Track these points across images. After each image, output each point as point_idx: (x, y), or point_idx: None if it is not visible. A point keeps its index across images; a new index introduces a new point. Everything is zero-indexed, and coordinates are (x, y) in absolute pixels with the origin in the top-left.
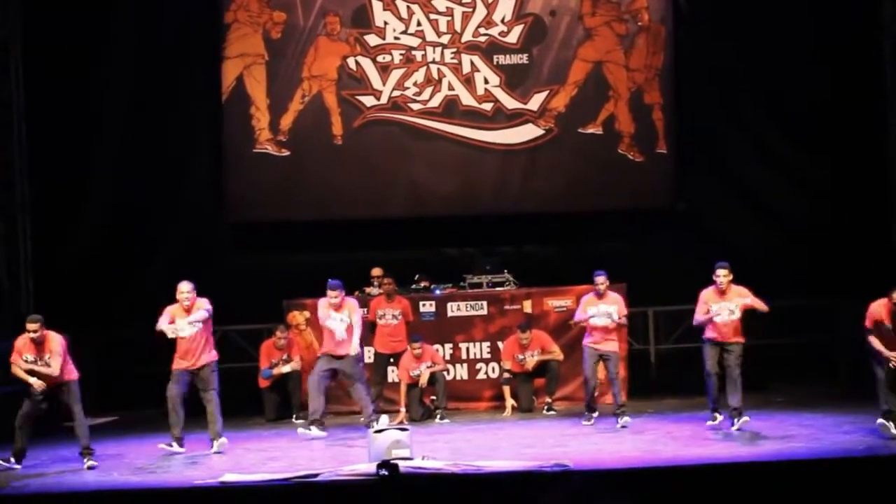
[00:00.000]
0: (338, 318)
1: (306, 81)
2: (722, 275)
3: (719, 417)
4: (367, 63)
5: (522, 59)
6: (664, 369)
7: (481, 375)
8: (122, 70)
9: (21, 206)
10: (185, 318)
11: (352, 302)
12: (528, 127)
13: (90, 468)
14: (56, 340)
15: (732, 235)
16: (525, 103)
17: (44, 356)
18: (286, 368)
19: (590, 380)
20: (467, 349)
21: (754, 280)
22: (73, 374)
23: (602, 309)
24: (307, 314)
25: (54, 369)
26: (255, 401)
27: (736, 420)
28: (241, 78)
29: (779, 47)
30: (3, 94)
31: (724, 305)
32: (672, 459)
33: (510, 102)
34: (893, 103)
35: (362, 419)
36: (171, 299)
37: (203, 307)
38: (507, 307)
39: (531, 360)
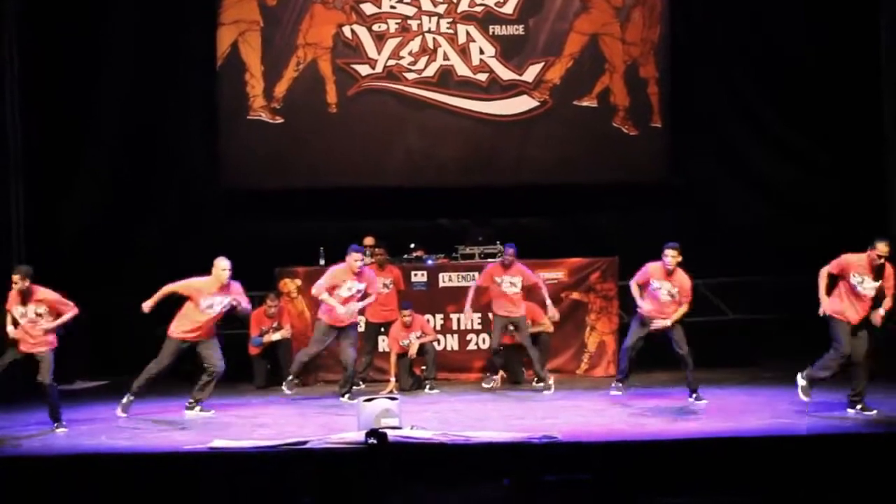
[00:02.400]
0: (355, 287)
1: (301, 49)
2: (671, 255)
3: (621, 391)
4: (362, 31)
5: (518, 30)
6: (653, 343)
7: (472, 346)
8: (118, 35)
9: (14, 171)
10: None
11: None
12: (522, 98)
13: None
14: (44, 293)
15: (726, 210)
16: (520, 75)
17: (29, 309)
18: (276, 336)
19: (497, 348)
20: (458, 320)
21: (746, 255)
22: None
23: (507, 279)
24: (299, 282)
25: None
26: (245, 368)
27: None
28: (236, 44)
29: (776, 23)
30: None
31: (665, 285)
32: (659, 433)
33: (505, 73)
34: (889, 80)
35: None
36: (165, 264)
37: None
38: None
39: None
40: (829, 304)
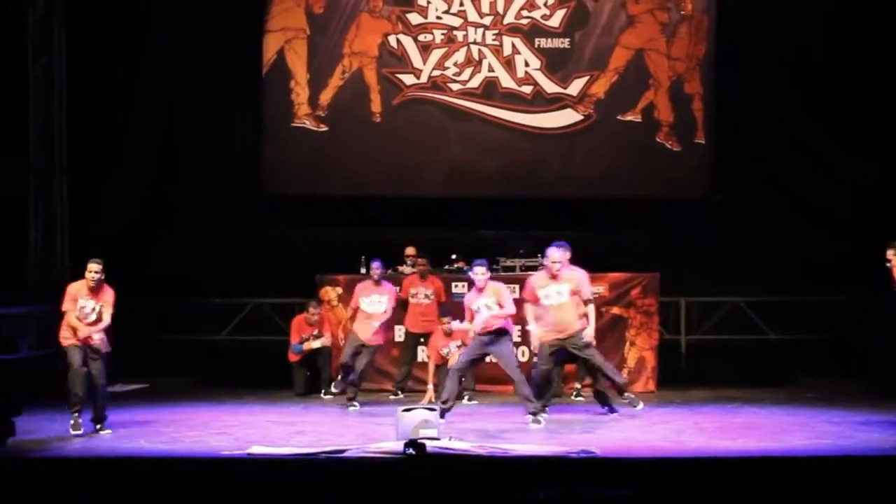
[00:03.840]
0: (482, 302)
1: (347, 58)
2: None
3: (543, 419)
4: (408, 41)
5: (564, 43)
6: (694, 360)
7: None
8: (165, 36)
9: (59, 168)
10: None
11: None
12: (567, 112)
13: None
14: (111, 293)
15: (767, 228)
16: (565, 88)
17: (97, 306)
18: (316, 344)
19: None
20: None
21: (788, 273)
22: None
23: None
24: (339, 290)
25: (106, 320)
26: (285, 375)
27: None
28: (282, 52)
29: (822, 42)
30: (46, 56)
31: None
32: (699, 451)
33: (550, 86)
34: None
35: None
36: (206, 268)
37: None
38: None
39: None
40: None
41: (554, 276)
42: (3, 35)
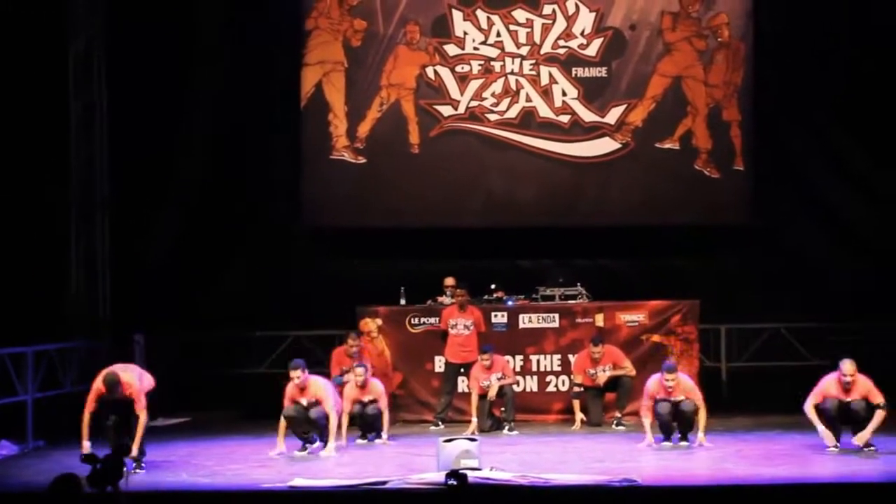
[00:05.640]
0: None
1: (384, 89)
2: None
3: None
4: (445, 73)
5: (601, 72)
6: (735, 387)
7: (551, 388)
8: (204, 72)
9: (100, 206)
10: None
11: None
12: (604, 140)
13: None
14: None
15: (809, 254)
16: (602, 117)
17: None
18: None
19: None
20: (538, 361)
21: (829, 299)
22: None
23: None
24: (379, 321)
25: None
26: None
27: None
28: (320, 84)
29: (863, 67)
30: (87, 93)
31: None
32: (742, 478)
33: (587, 115)
34: None
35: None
36: (247, 301)
37: None
38: (578, 320)
39: (602, 374)
40: None
41: (848, 391)
42: (45, 72)
